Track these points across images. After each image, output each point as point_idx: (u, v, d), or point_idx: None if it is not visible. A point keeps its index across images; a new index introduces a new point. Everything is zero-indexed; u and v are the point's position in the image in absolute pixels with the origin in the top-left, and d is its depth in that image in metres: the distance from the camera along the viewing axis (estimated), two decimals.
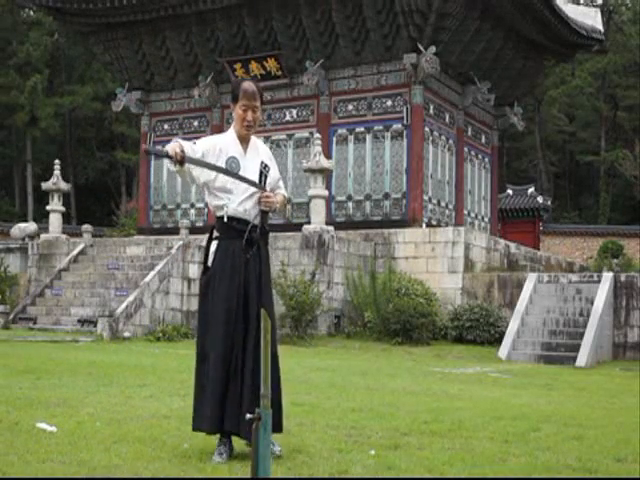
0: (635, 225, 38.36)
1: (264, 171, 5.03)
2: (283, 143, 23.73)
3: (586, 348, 15.22)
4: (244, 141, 5.04)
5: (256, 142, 5.12)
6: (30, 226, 25.25)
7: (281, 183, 5.24)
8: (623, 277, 17.10)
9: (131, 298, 18.66)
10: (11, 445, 4.94)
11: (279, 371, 4.97)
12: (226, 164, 4.89)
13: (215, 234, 4.99)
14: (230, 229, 4.92)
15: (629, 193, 44.71)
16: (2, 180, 47.82)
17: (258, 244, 4.95)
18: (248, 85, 5.01)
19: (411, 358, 15.33)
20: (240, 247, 4.89)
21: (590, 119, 49.02)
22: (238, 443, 5.02)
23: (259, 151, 5.09)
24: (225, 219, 4.91)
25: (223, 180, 4.90)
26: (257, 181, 4.96)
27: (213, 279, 4.89)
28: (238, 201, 4.92)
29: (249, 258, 4.91)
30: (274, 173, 5.14)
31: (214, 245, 4.97)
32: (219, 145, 4.95)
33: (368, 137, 22.72)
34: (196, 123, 25.53)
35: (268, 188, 5.02)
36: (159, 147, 4.54)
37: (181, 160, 4.67)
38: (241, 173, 4.91)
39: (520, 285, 17.80)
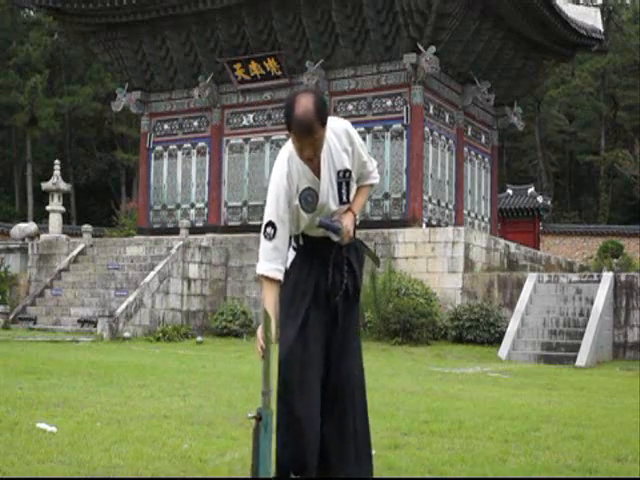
0: (635, 225, 38.35)
1: (344, 180, 4.00)
2: (283, 143, 23.50)
3: (586, 348, 15.22)
4: (311, 161, 3.96)
5: (328, 144, 3.93)
6: (30, 226, 25.25)
7: (369, 164, 4.14)
8: (623, 277, 17.10)
9: (131, 298, 18.67)
10: (11, 445, 4.94)
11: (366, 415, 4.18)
12: (300, 200, 3.95)
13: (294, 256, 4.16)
14: (308, 247, 4.12)
15: (629, 193, 44.71)
16: (2, 180, 47.81)
17: (349, 263, 4.12)
18: (302, 112, 3.72)
19: (411, 358, 15.33)
20: (320, 270, 4.08)
21: (590, 119, 49.01)
22: (240, 442, 5.02)
23: (333, 157, 3.96)
24: (301, 242, 4.10)
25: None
26: (338, 197, 4.01)
27: (283, 311, 4.09)
28: (316, 229, 4.05)
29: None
30: (357, 163, 4.06)
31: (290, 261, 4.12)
32: (293, 182, 3.96)
33: (368, 137, 22.71)
34: (196, 123, 25.52)
35: (353, 190, 4.09)
36: (335, 224, 3.90)
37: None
38: (320, 203, 3.97)
39: (520, 285, 17.80)
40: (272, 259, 3.90)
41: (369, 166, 4.12)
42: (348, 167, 3.99)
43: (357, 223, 4.10)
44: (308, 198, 3.95)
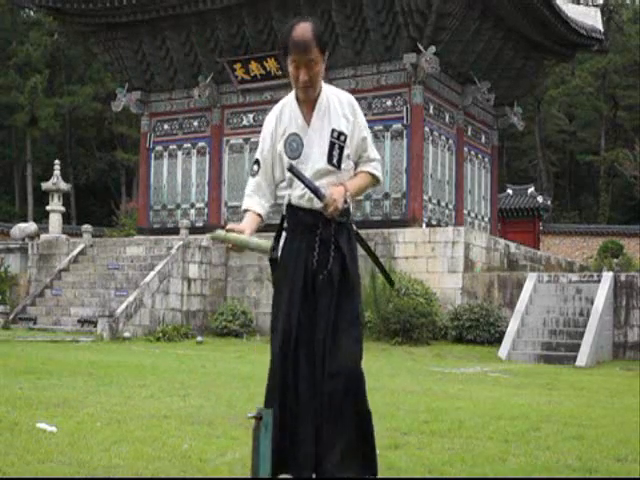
0: (635, 225, 38.35)
1: (337, 142, 3.77)
2: None
3: (586, 348, 15.22)
4: (308, 104, 3.81)
5: (328, 99, 3.82)
6: (30, 226, 25.25)
7: (371, 150, 3.92)
8: (623, 277, 17.10)
9: (131, 298, 18.67)
10: (11, 445, 4.94)
11: (370, 417, 3.83)
12: (284, 146, 3.80)
13: (284, 224, 3.93)
14: (296, 221, 3.87)
15: (629, 193, 44.70)
16: (2, 180, 47.82)
17: (336, 242, 3.82)
18: (300, 32, 3.69)
19: (411, 358, 15.33)
20: (307, 248, 3.83)
21: (590, 119, 49.01)
22: (240, 442, 5.02)
23: (330, 113, 3.79)
24: (287, 208, 3.87)
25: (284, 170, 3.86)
26: (327, 155, 3.77)
27: (279, 286, 3.91)
28: (302, 188, 3.77)
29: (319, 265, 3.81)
30: (356, 136, 3.85)
31: (282, 239, 3.93)
32: (282, 124, 3.84)
33: None
34: (196, 123, 25.52)
35: (347, 164, 3.83)
36: (311, 181, 3.67)
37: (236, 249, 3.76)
38: (305, 152, 3.78)
39: (520, 285, 17.80)
40: (254, 194, 3.87)
41: (370, 151, 3.90)
42: (344, 131, 3.78)
43: (349, 204, 3.78)
44: (293, 144, 3.79)
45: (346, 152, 3.81)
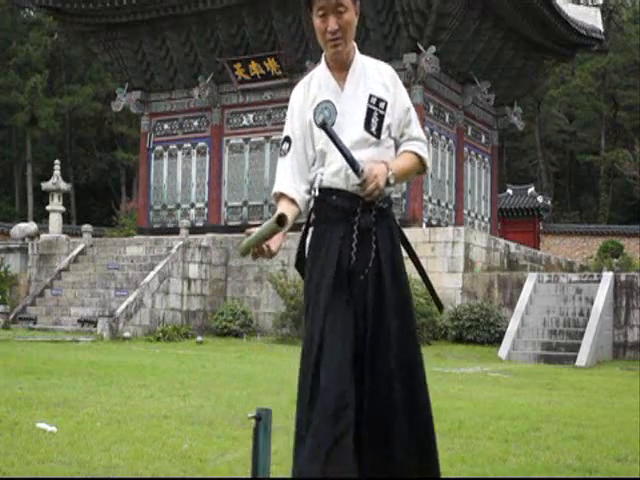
0: (635, 225, 38.33)
1: (376, 109, 3.23)
2: None
3: (586, 348, 15.22)
4: (341, 68, 3.28)
5: (363, 64, 3.32)
6: (30, 226, 25.25)
7: (415, 126, 3.37)
8: (623, 277, 17.10)
9: (131, 298, 18.67)
10: (11, 445, 4.94)
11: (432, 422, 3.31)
12: (314, 115, 3.25)
13: (312, 217, 3.26)
14: (327, 208, 3.21)
15: (629, 193, 44.68)
16: (2, 180, 47.81)
17: (376, 234, 3.18)
18: None
19: None
20: (344, 238, 3.16)
21: (590, 119, 48.99)
22: (240, 442, 5.01)
23: (367, 78, 3.28)
24: (317, 192, 3.23)
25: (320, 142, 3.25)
26: (364, 122, 3.22)
27: (308, 293, 3.24)
28: (337, 162, 3.16)
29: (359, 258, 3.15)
30: (399, 105, 3.30)
31: (309, 235, 3.28)
32: (310, 93, 3.31)
33: None
34: (196, 123, 25.52)
35: (387, 137, 3.27)
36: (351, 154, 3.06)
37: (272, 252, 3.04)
38: (338, 121, 3.21)
39: (520, 285, 17.79)
40: (286, 177, 3.25)
41: (414, 128, 3.34)
42: (384, 98, 3.24)
43: (392, 184, 3.15)
44: (325, 112, 3.21)
45: (387, 121, 3.24)
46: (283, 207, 3.16)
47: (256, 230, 2.91)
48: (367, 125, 3.21)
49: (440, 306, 3.65)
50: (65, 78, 46.38)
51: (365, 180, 3.03)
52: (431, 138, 23.13)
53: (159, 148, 26.09)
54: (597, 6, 41.07)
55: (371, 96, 3.24)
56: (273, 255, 3.00)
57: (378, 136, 3.22)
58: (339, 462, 2.91)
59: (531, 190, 36.99)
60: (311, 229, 3.24)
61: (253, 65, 23.77)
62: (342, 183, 3.16)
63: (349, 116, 3.22)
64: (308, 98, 3.30)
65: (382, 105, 3.24)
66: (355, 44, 3.30)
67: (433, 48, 21.53)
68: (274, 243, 2.98)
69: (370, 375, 3.09)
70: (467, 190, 25.38)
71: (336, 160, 3.14)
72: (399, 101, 3.30)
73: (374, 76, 3.30)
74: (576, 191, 51.37)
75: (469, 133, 25.61)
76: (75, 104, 44.09)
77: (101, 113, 44.22)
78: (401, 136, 3.33)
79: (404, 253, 3.32)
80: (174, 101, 25.97)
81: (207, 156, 25.14)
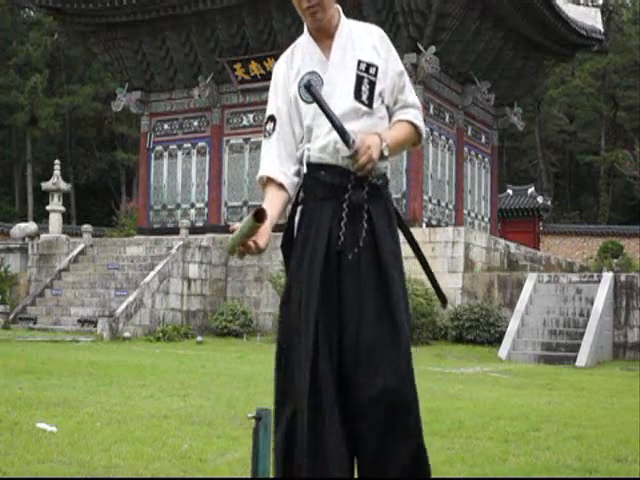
0: (635, 225, 38.34)
1: (366, 75, 2.95)
2: None
3: (586, 348, 15.22)
4: (325, 36, 3.00)
5: (350, 29, 3.04)
6: (30, 226, 25.25)
7: (409, 92, 3.08)
8: (623, 277, 17.10)
9: (131, 298, 18.67)
10: (11, 445, 4.94)
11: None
12: (299, 88, 2.97)
13: (300, 195, 3.01)
14: (315, 185, 2.95)
15: (629, 193, 44.70)
16: (2, 180, 47.81)
17: (368, 212, 2.93)
18: None
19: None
20: (334, 216, 2.90)
21: (590, 119, 49.00)
22: (240, 442, 5.01)
23: (354, 44, 3.00)
24: (305, 169, 2.96)
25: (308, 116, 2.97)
26: (354, 90, 2.93)
27: (291, 278, 2.98)
28: (324, 136, 2.91)
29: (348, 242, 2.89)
30: (391, 70, 3.01)
31: (298, 214, 3.01)
32: (294, 65, 3.04)
33: None
34: (196, 123, 25.52)
35: (379, 105, 2.99)
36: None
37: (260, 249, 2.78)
38: (325, 91, 2.90)
39: (520, 285, 17.79)
40: (273, 160, 2.97)
41: (408, 94, 3.05)
42: (375, 62, 2.96)
43: (387, 162, 2.96)
44: (311, 82, 2.89)
45: (378, 88, 2.95)
46: (271, 194, 2.92)
47: (237, 227, 2.70)
48: (357, 94, 2.92)
49: (444, 300, 3.49)
50: (65, 78, 46.39)
51: (357, 152, 2.75)
52: (431, 138, 23.13)
53: (159, 148, 26.08)
54: (597, 6, 41.08)
55: (360, 62, 2.96)
56: (261, 251, 2.76)
57: (370, 105, 2.94)
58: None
59: (531, 190, 36.99)
60: (299, 208, 2.98)
61: (253, 65, 23.77)
62: (330, 158, 2.90)
63: (337, 86, 2.94)
64: (292, 71, 3.02)
65: (372, 70, 2.96)
66: (339, 7, 3.04)
67: (433, 48, 21.53)
68: (261, 238, 2.73)
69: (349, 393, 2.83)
70: (467, 190, 25.38)
71: (323, 134, 2.89)
72: (391, 65, 3.02)
73: (363, 40, 3.01)
74: (576, 191, 51.37)
75: (469, 133, 25.61)
76: (75, 104, 44.09)
77: (101, 113, 44.23)
78: (395, 103, 3.04)
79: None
80: (174, 101, 25.97)
81: (207, 156, 25.14)
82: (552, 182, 50.15)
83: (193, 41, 24.68)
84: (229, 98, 24.87)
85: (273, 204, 2.89)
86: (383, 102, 2.99)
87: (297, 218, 2.99)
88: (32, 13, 47.09)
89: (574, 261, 27.64)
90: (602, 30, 26.50)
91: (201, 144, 25.30)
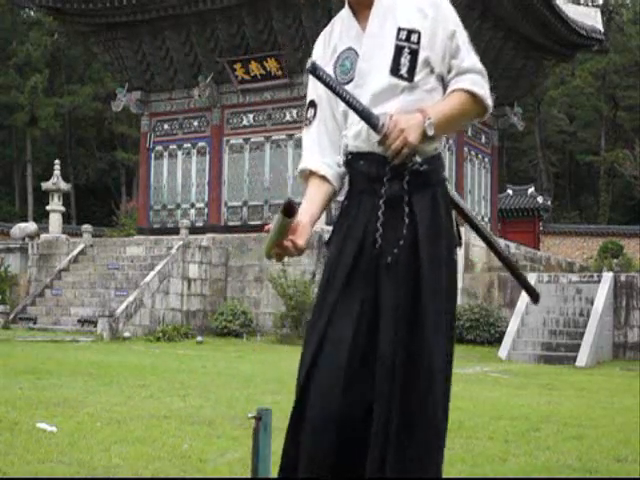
0: (635, 225, 38.34)
1: (407, 44, 2.52)
2: (283, 143, 23.72)
3: (586, 348, 15.22)
4: (365, 6, 2.59)
5: None
6: (30, 226, 25.24)
7: (466, 53, 2.64)
8: (623, 277, 17.10)
9: (131, 298, 18.66)
10: (11, 445, 4.94)
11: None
12: (335, 68, 2.61)
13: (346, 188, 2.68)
14: (355, 176, 2.57)
15: (629, 193, 44.70)
16: (2, 180, 47.81)
17: (410, 205, 2.48)
18: None
19: None
20: (371, 215, 2.50)
21: (590, 119, 49.01)
22: (240, 442, 5.01)
23: (396, 10, 2.56)
24: (344, 159, 2.59)
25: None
26: (391, 64, 2.51)
27: (323, 279, 2.65)
28: (358, 121, 2.51)
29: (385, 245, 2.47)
30: (440, 32, 2.55)
31: (339, 210, 2.69)
32: (331, 43, 2.67)
33: None
34: (196, 123, 25.52)
35: (426, 76, 2.54)
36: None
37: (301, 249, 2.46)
38: (359, 68, 2.55)
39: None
40: (314, 149, 2.65)
41: (465, 56, 2.61)
42: (417, 27, 2.52)
43: (434, 137, 2.51)
44: (346, 62, 2.58)
45: (422, 56, 2.52)
46: (312, 188, 2.60)
47: (271, 227, 2.37)
48: (394, 68, 2.50)
49: (535, 297, 2.90)
50: (65, 78, 46.39)
51: (386, 136, 2.36)
52: None
53: (159, 148, 26.08)
54: (597, 6, 41.09)
55: (400, 30, 2.52)
56: (301, 251, 2.42)
57: (411, 78, 2.51)
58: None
59: (531, 190, 36.99)
60: (342, 203, 2.61)
61: (253, 65, 23.77)
62: (366, 145, 2.52)
63: (373, 61, 2.54)
64: (328, 50, 2.66)
65: (414, 38, 2.51)
66: None
67: None
68: (300, 237, 2.39)
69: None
70: (467, 190, 25.38)
71: (357, 120, 2.50)
72: (441, 25, 2.54)
73: (407, 3, 2.56)
74: (576, 191, 51.38)
75: (469, 133, 25.61)
76: (75, 104, 44.09)
77: (101, 113, 44.22)
78: (449, 71, 2.57)
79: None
80: (174, 101, 25.97)
81: (207, 156, 25.14)
82: (552, 182, 50.15)
83: (193, 41, 24.68)
84: (229, 98, 24.86)
85: (314, 199, 2.59)
86: (433, 72, 2.55)
87: (337, 214, 2.65)
88: (32, 13, 47.09)
89: (574, 261, 27.65)
90: (602, 30, 26.50)
91: (201, 144, 25.30)
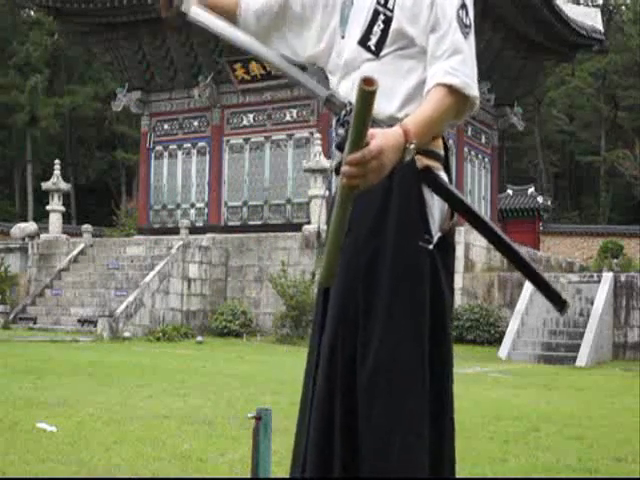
0: (635, 225, 38.33)
1: (382, 10, 2.18)
2: (283, 143, 23.73)
3: (586, 348, 15.23)
4: None
5: None
6: (30, 226, 25.24)
7: (448, 30, 2.15)
8: (623, 277, 17.10)
9: (131, 298, 18.67)
10: (11, 445, 4.94)
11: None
12: (340, 18, 2.32)
13: None
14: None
15: (629, 193, 44.70)
16: (2, 180, 47.81)
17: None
18: None
19: None
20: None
21: (590, 119, 49.00)
22: (240, 442, 5.01)
23: None
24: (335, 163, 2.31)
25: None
26: (363, 31, 2.22)
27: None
28: (336, 81, 2.33)
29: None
30: (426, 13, 2.16)
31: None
32: None
33: None
34: (196, 123, 25.52)
35: (400, 47, 2.20)
36: None
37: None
38: (346, 32, 2.28)
39: (520, 285, 17.79)
40: None
41: (443, 37, 2.15)
42: None
43: (413, 151, 1.95)
44: (345, 11, 2.29)
45: (393, 27, 2.16)
46: None
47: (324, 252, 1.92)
48: (365, 37, 2.19)
49: (561, 305, 2.21)
50: (65, 78, 46.39)
51: (358, 161, 1.78)
52: None
53: (159, 148, 26.08)
54: (597, 6, 41.10)
55: None
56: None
57: (377, 52, 2.18)
58: None
59: (531, 190, 36.99)
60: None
61: (253, 65, 23.77)
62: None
63: (353, 23, 2.24)
64: None
65: (390, 3, 2.14)
66: None
67: None
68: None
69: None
70: (467, 190, 25.37)
71: (336, 72, 2.34)
72: (434, 10, 2.14)
73: None
74: (576, 191, 51.38)
75: (469, 133, 25.60)
76: (75, 104, 44.09)
77: (101, 113, 44.22)
78: (432, 53, 2.18)
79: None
80: (174, 101, 25.97)
81: (207, 156, 25.14)
82: (552, 182, 50.16)
83: (193, 41, 24.68)
84: (229, 98, 24.87)
85: None
86: (403, 42, 2.18)
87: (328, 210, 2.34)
88: (32, 13, 47.09)
89: (574, 261, 27.64)
90: (602, 30, 26.50)
91: (201, 144, 25.30)
